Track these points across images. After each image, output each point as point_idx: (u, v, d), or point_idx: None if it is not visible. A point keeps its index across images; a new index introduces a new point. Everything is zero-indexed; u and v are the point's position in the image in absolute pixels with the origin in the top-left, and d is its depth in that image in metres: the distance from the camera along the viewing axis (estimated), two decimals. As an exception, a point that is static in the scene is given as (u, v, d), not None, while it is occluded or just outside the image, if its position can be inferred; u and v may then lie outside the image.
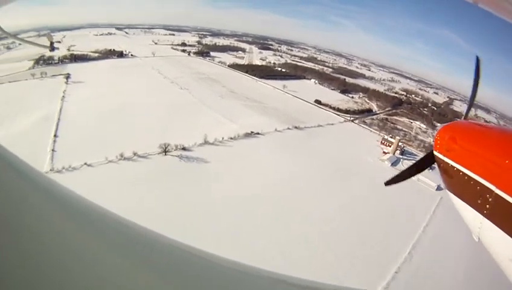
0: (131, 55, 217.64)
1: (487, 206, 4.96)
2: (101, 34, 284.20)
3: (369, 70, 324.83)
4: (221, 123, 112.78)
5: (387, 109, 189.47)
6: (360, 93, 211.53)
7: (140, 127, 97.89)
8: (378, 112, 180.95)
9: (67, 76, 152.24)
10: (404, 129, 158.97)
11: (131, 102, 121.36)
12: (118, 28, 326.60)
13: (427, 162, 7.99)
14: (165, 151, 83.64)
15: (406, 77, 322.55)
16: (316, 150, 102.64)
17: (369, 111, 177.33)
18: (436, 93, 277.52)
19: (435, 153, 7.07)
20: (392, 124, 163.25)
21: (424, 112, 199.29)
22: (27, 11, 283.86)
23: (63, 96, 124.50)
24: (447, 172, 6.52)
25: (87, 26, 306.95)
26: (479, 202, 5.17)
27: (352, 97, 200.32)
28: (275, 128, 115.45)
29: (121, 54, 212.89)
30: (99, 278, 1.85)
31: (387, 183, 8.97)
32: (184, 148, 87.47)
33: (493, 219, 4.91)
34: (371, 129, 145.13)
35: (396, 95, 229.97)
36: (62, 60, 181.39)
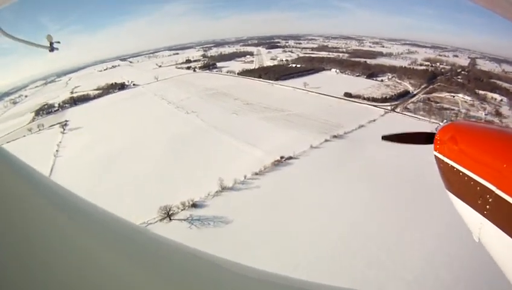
0: (133, 84, 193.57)
1: (487, 206, 4.72)
2: (105, 69, 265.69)
3: (383, 46, 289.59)
4: (240, 151, 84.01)
5: (423, 87, 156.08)
6: (388, 74, 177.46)
7: (136, 181, 71.77)
8: (415, 92, 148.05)
9: (64, 124, 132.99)
10: (451, 107, 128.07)
11: (126, 146, 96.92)
12: (121, 59, 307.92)
13: (428, 138, 7.03)
14: (169, 215, 56.82)
15: (421, 46, 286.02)
16: (369, 164, 72.03)
17: (406, 93, 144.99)
18: (456, 56, 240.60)
19: (435, 153, 6.60)
20: (436, 104, 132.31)
21: (459, 80, 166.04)
22: (32, 62, 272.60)
23: (57, 151, 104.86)
24: (447, 172, 6.12)
25: (92, 63, 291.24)
26: (479, 202, 4.91)
27: (382, 80, 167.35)
28: (309, 145, 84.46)
29: (122, 86, 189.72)
30: (101, 280, 1.81)
31: (384, 137, 8.24)
32: (194, 205, 60.09)
33: (493, 220, 4.66)
34: (418, 117, 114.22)
35: (422, 67, 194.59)
36: (62, 106, 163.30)
